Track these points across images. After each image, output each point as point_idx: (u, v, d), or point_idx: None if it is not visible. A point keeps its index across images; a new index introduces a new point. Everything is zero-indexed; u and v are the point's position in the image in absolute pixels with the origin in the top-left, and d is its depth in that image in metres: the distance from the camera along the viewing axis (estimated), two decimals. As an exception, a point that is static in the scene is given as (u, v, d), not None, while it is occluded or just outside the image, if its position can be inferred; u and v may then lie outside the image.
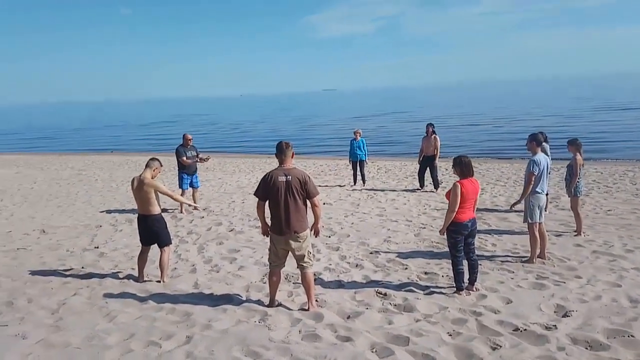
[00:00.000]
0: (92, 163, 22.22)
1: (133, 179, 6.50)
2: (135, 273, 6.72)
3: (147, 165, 6.46)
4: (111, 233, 9.28)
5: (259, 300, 5.73)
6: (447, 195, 5.67)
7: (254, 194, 5.33)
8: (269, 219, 5.32)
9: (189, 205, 6.85)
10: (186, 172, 10.85)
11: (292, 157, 5.30)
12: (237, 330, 4.90)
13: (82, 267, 7.22)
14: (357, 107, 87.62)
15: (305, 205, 5.27)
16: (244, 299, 5.80)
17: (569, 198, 8.22)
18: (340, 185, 13.95)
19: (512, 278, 6.21)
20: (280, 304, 5.55)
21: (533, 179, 6.63)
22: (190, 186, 10.95)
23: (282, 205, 5.13)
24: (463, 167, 5.57)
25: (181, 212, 10.71)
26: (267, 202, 5.27)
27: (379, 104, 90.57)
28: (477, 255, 6.92)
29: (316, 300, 5.54)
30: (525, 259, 6.90)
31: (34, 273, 6.99)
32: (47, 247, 8.39)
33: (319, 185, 13.75)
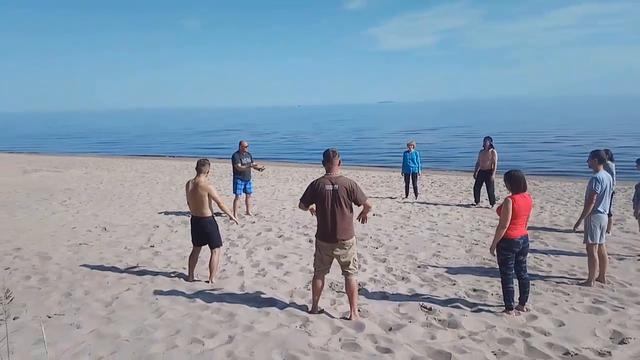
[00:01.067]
0: (155, 167, 23.21)
1: (188, 182, 6.75)
2: (186, 272, 6.95)
3: (199, 171, 6.67)
4: (167, 233, 9.64)
5: (301, 306, 5.76)
6: (498, 210, 5.50)
7: (300, 199, 5.39)
8: (316, 222, 5.39)
9: (230, 218, 7.11)
10: (241, 177, 11.12)
11: (338, 165, 5.33)
12: (278, 333, 4.96)
13: (137, 264, 7.55)
14: (413, 119, 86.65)
15: (352, 212, 5.28)
16: (287, 303, 5.85)
17: (636, 220, 7.74)
18: (391, 198, 13.81)
19: (566, 300, 5.90)
20: (322, 311, 5.57)
21: (595, 197, 6.29)
22: (243, 191, 11.21)
23: (329, 213, 5.16)
24: (514, 182, 5.39)
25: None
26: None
27: (437, 118, 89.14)
28: (532, 275, 6.67)
29: (359, 310, 5.51)
30: (583, 281, 6.55)
31: (92, 267, 7.39)
32: (107, 244, 8.84)
33: (370, 197, 13.68)
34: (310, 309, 5.60)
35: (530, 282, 6.18)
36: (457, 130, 52.76)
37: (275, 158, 28.99)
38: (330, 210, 5.16)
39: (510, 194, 5.47)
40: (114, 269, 7.33)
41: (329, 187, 5.16)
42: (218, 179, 17.75)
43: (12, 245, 8.78)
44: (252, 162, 11.29)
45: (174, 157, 31.34)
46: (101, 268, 7.35)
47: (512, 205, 5.31)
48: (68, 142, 48.64)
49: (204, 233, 6.71)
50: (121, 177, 18.86)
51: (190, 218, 6.90)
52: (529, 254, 7.73)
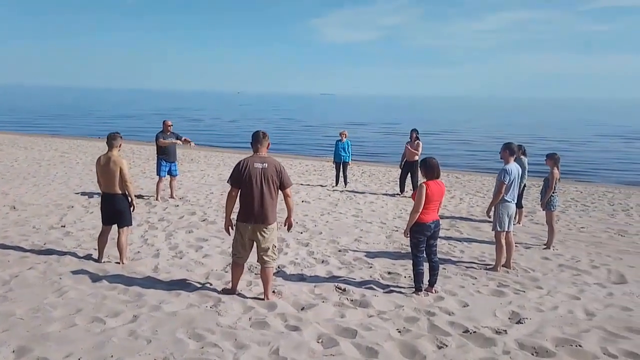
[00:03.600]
0: (76, 147, 22.05)
1: (99, 157, 6.42)
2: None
3: (111, 145, 6.36)
4: (81, 214, 9.17)
5: (215, 288, 5.67)
6: (413, 195, 5.66)
7: (227, 181, 5.21)
8: (238, 209, 5.23)
9: (130, 202, 6.45)
10: (165, 158, 10.72)
11: (267, 148, 5.25)
12: (186, 313, 4.85)
13: (44, 244, 7.12)
14: (352, 113, 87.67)
15: (277, 195, 5.21)
16: (201, 285, 5.73)
17: (543, 212, 8.26)
18: (322, 185, 13.91)
19: (473, 284, 6.20)
20: (238, 293, 5.49)
21: (503, 188, 6.62)
22: (168, 174, 10.84)
23: (256, 192, 5.04)
24: (428, 169, 5.56)
25: (156, 199, 10.62)
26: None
27: (375, 113, 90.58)
28: (444, 260, 6.95)
29: (273, 292, 5.49)
30: (490, 266, 6.90)
31: (-7, 246, 6.90)
32: (14, 223, 8.28)
33: (301, 184, 13.72)
34: (229, 291, 5.50)
35: (442, 266, 6.45)
36: (392, 126, 53.78)
37: (209, 143, 28.37)
38: (259, 189, 5.04)
39: (424, 180, 5.64)
40: (17, 247, 6.88)
41: (259, 165, 5.05)
42: (144, 162, 17.13)
43: None
44: (177, 138, 10.87)
45: (99, 138, 29.83)
46: (3, 247, 6.87)
47: (426, 190, 5.47)
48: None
49: (115, 210, 6.38)
50: (38, 156, 17.73)
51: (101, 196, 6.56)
52: (444, 241, 8.09)
